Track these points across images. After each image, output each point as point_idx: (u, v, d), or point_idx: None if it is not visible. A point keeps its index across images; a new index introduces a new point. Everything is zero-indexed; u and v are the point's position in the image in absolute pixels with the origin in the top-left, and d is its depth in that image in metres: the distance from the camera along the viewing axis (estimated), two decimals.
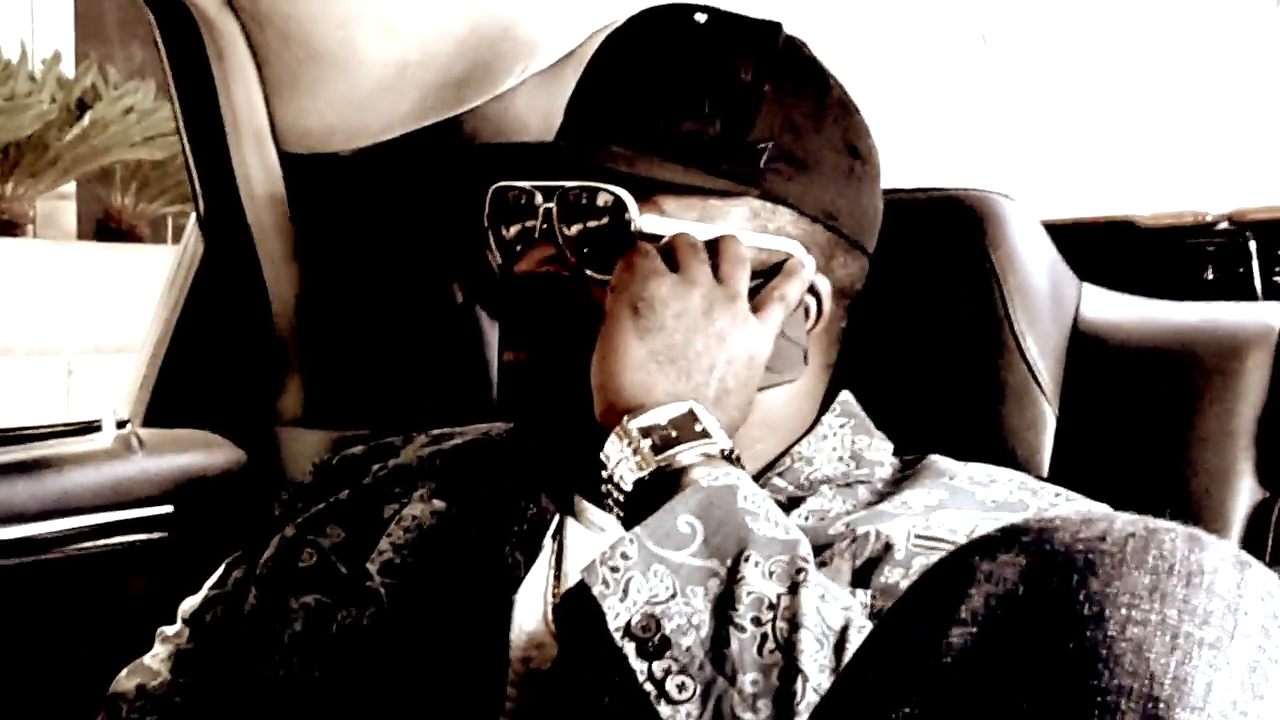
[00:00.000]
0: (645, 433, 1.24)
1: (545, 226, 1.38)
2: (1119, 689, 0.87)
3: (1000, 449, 1.62)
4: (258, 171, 1.80)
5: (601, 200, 1.36)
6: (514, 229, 1.42)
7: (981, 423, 1.65)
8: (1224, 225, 2.00)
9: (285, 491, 1.62)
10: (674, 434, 1.24)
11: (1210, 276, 1.98)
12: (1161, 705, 0.86)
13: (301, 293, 1.87)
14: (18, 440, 1.79)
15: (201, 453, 1.87)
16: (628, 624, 1.12)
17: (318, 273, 1.86)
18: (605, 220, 1.36)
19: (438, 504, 1.44)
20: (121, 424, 1.87)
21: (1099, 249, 1.84)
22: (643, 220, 1.35)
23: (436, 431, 1.57)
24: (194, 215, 1.90)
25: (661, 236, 1.36)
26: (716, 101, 1.40)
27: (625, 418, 1.26)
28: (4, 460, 1.72)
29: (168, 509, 1.79)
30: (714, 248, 1.35)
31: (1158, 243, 2.00)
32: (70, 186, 7.74)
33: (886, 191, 1.53)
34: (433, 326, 1.87)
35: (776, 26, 1.46)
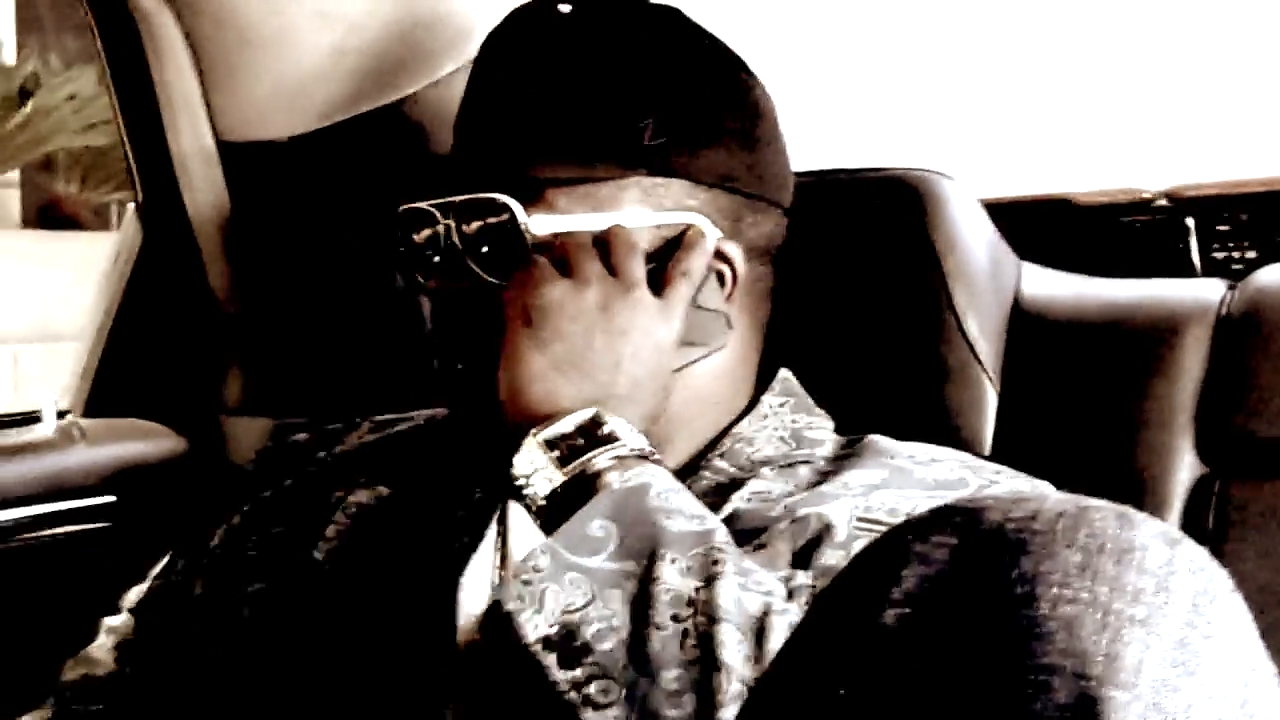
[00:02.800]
0: (551, 445, 1.26)
1: (447, 242, 1.38)
2: (1050, 667, 0.88)
3: (942, 428, 1.63)
4: (195, 159, 1.80)
5: (492, 208, 1.36)
6: (420, 246, 1.42)
7: (923, 402, 1.66)
8: (1162, 202, 2.01)
9: (229, 480, 1.63)
10: (581, 442, 1.25)
11: (1149, 253, 1.99)
12: (1093, 683, 0.87)
13: (241, 280, 1.87)
14: None
15: (143, 442, 1.87)
16: (546, 636, 1.12)
17: (257, 260, 1.86)
18: (499, 228, 1.37)
19: (382, 490, 1.45)
20: (62, 414, 1.87)
21: (1038, 227, 1.85)
22: (533, 221, 1.35)
23: (380, 418, 1.58)
24: (131, 204, 1.89)
25: (557, 234, 1.36)
26: (589, 90, 1.40)
27: (532, 432, 1.27)
28: None
29: (110, 499, 1.79)
30: (605, 241, 1.36)
31: (1096, 220, 2.01)
32: (14, 174, 7.72)
33: (827, 172, 1.54)
34: (373, 311, 1.87)
35: (643, 2, 1.47)
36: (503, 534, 1.39)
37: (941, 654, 0.91)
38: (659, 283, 1.36)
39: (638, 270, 1.35)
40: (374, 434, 1.54)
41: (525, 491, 1.26)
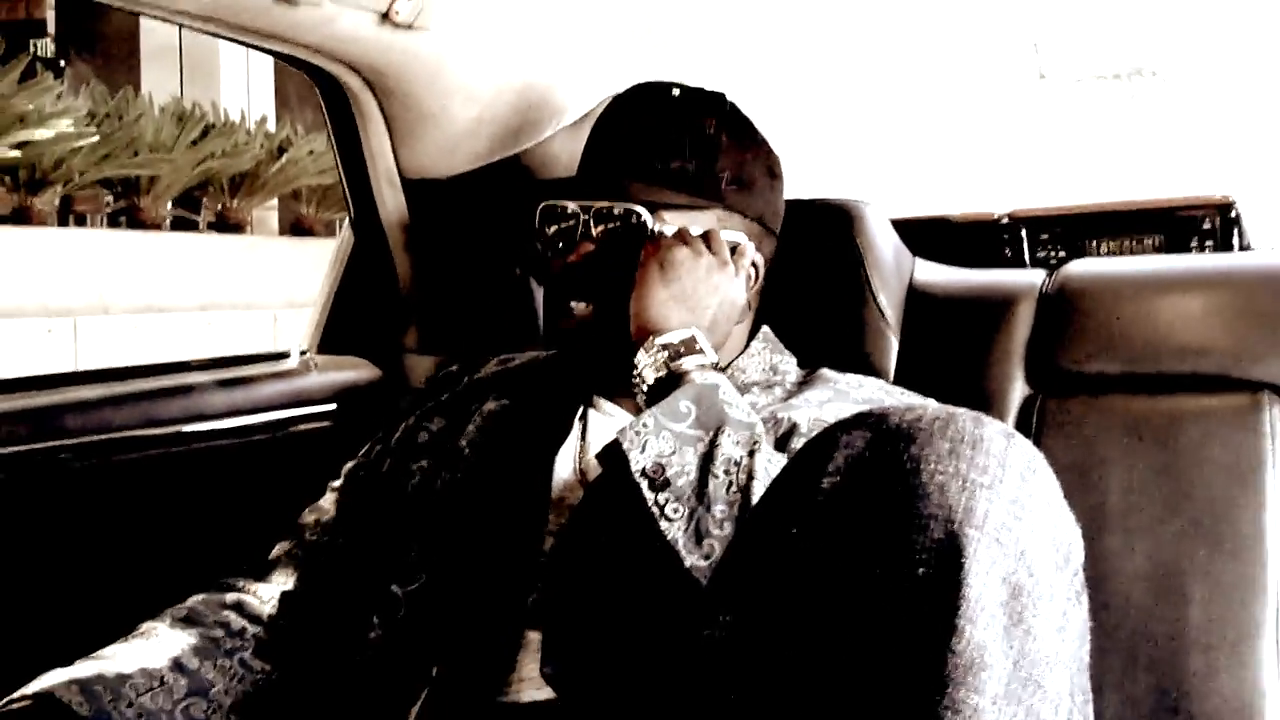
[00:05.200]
0: (664, 348, 1.28)
1: (583, 230, 1.39)
2: (929, 515, 0.88)
3: (864, 365, 1.63)
4: (388, 190, 1.80)
5: (626, 213, 1.38)
6: (553, 231, 1.42)
7: (851, 349, 1.66)
8: (1006, 220, 2.00)
9: (408, 396, 1.63)
10: (681, 349, 1.28)
11: (997, 253, 1.98)
12: (956, 525, 0.88)
13: (416, 268, 1.87)
14: (240, 363, 1.80)
15: (354, 371, 1.87)
16: (644, 468, 1.15)
17: (426, 255, 1.86)
18: (627, 227, 1.38)
19: (504, 401, 1.45)
20: (303, 353, 1.88)
21: (926, 236, 1.84)
22: (653, 225, 1.38)
23: (504, 356, 1.58)
24: (347, 218, 1.90)
25: (664, 234, 1.38)
26: (692, 149, 1.41)
27: (651, 337, 1.29)
28: (230, 376, 1.73)
29: (332, 407, 1.80)
30: (705, 236, 1.37)
31: (964, 232, 2.00)
32: (273, 202, 7.73)
33: (793, 201, 1.54)
34: (501, 289, 1.87)
35: (722, 95, 1.48)
36: (584, 428, 1.40)
37: (859, 508, 0.92)
38: None
39: (726, 255, 1.38)
40: (500, 366, 1.55)
41: (640, 374, 1.28)
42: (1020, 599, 0.88)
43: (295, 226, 7.85)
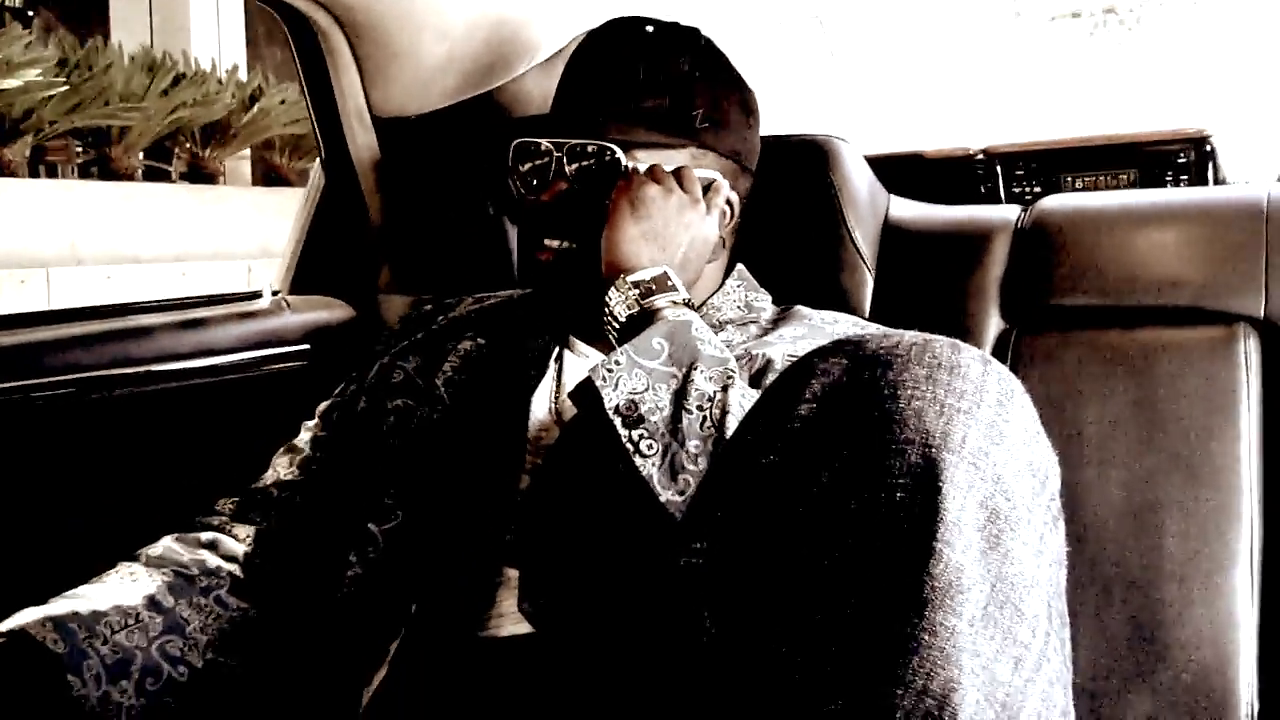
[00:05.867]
0: (635, 285, 1.26)
1: (557, 168, 1.38)
2: (906, 440, 0.88)
3: (840, 301, 1.63)
4: (358, 129, 1.78)
5: (600, 151, 1.37)
6: (527, 169, 1.41)
7: (828, 285, 1.66)
8: (981, 156, 1.99)
9: (382, 335, 1.62)
10: (653, 287, 1.26)
11: (972, 188, 1.98)
12: (933, 449, 0.87)
13: (388, 207, 1.85)
14: (213, 303, 1.78)
15: (327, 310, 1.86)
16: (617, 405, 1.13)
17: (398, 194, 1.85)
18: (601, 164, 1.37)
19: (480, 340, 1.44)
20: (275, 293, 1.87)
21: (901, 172, 1.83)
22: (626, 162, 1.36)
23: (479, 295, 1.57)
24: (319, 159, 1.88)
25: (637, 172, 1.36)
26: (666, 86, 1.40)
27: (622, 275, 1.27)
28: (202, 315, 1.71)
29: (305, 347, 1.79)
30: (677, 174, 1.36)
31: (938, 168, 1.99)
32: (246, 152, 7.67)
33: (768, 137, 1.53)
34: (474, 227, 1.85)
35: (697, 31, 1.46)
36: (559, 369, 1.39)
37: (836, 433, 0.91)
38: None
39: (699, 192, 1.36)
40: (475, 305, 1.53)
41: (612, 312, 1.26)
42: (997, 523, 0.87)
43: (269, 176, 7.79)
